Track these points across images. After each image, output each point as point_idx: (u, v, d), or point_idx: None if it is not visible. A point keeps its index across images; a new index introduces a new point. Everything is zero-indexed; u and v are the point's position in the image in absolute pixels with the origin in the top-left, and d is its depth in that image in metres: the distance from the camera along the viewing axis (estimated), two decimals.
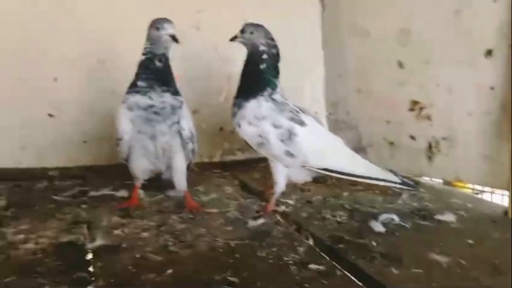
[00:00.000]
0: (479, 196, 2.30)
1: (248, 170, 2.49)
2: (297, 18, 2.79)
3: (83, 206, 1.84)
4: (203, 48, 2.58)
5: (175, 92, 1.83)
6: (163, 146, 1.82)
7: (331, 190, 2.16)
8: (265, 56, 1.86)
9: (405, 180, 1.88)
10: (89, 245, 1.46)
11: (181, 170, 1.90)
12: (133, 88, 1.80)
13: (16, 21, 2.23)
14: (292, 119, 1.82)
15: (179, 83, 2.46)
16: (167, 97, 1.78)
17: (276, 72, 1.91)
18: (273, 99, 1.85)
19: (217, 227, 1.66)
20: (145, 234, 1.57)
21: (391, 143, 2.52)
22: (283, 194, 2.02)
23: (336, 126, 2.84)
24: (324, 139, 1.95)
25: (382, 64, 2.48)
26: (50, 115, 2.33)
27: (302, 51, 2.82)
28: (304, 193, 2.10)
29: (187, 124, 1.86)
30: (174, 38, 1.78)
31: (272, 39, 1.93)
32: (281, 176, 1.87)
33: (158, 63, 1.79)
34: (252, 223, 1.70)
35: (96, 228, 1.62)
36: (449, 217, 1.79)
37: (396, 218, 1.74)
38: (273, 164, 1.87)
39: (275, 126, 1.80)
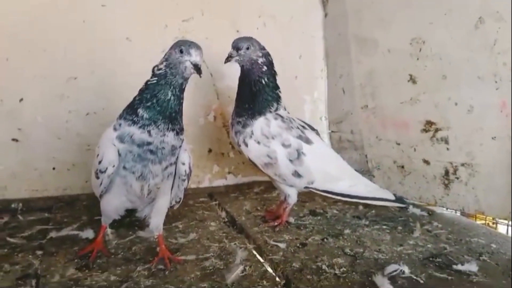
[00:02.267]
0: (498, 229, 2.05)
1: (239, 198, 2.21)
2: (295, 26, 2.51)
3: (38, 252, 1.57)
4: None
5: (180, 130, 1.48)
6: (151, 188, 1.49)
7: (331, 226, 1.87)
8: (264, 69, 1.78)
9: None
10: None
11: (162, 212, 1.60)
12: (131, 115, 1.44)
13: None
14: (299, 137, 1.77)
15: None
16: (170, 137, 1.43)
17: (276, 84, 1.83)
18: (280, 116, 1.79)
19: (190, 284, 1.38)
20: None
21: (401, 167, 2.22)
22: (276, 232, 1.77)
23: (340, 145, 2.56)
24: (329, 158, 1.88)
25: (392, 78, 2.19)
26: (15, 140, 2.06)
27: (302, 64, 2.56)
28: (299, 230, 1.81)
29: (188, 159, 1.55)
30: (198, 69, 1.44)
31: (264, 48, 1.80)
32: (290, 189, 1.83)
33: (170, 94, 1.43)
34: (232, 278, 1.41)
35: (44, 285, 1.35)
36: (471, 266, 1.50)
37: (406, 269, 1.45)
38: None
39: (284, 145, 1.75)
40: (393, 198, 1.87)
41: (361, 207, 2.08)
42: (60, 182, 2.10)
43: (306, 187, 1.82)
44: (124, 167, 1.44)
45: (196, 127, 2.35)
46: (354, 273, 1.45)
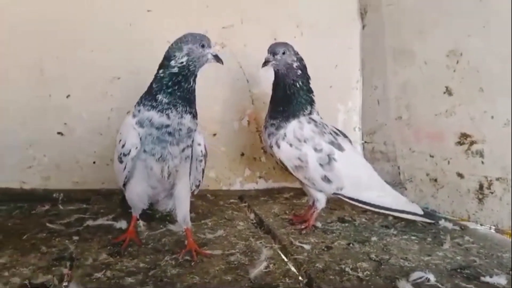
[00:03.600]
0: None
1: (269, 202, 2.24)
2: (332, 36, 2.54)
3: (75, 238, 1.66)
4: (226, 67, 2.38)
5: (196, 114, 1.57)
6: (171, 169, 1.57)
7: (358, 232, 1.86)
8: (299, 73, 1.84)
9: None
10: None
11: (184, 200, 1.66)
12: (150, 101, 1.52)
13: (32, 40, 2.14)
14: (331, 143, 1.80)
15: None
16: (187, 119, 1.52)
17: (310, 87, 1.88)
18: (314, 120, 1.83)
19: (214, 275, 1.42)
20: (128, 280, 1.35)
21: (434, 180, 2.19)
22: (302, 235, 1.78)
23: (373, 156, 2.55)
24: (360, 167, 1.90)
25: (428, 90, 2.18)
26: (60, 133, 2.20)
27: (338, 74, 2.58)
28: (326, 235, 1.82)
29: (203, 140, 1.63)
30: (219, 59, 1.60)
31: (298, 53, 1.87)
32: (319, 194, 1.84)
33: (192, 82, 1.54)
34: (255, 273, 1.44)
35: (78, 267, 1.42)
36: (500, 279, 1.46)
37: (432, 277, 1.43)
38: None
39: (316, 150, 1.77)
40: (421, 212, 1.85)
41: (390, 218, 2.06)
42: (99, 176, 2.21)
43: (335, 193, 1.83)
44: (145, 151, 1.53)
45: (230, 131, 2.41)
46: (377, 277, 1.44)
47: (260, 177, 2.47)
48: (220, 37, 2.38)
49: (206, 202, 2.21)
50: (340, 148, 1.80)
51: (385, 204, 1.84)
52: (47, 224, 1.79)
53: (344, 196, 1.83)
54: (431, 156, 2.18)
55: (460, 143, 2.03)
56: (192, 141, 1.58)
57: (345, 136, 1.92)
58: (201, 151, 1.62)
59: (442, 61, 2.06)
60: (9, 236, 1.66)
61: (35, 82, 2.14)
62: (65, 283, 1.32)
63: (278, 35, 2.42)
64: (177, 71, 1.53)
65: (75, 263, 1.46)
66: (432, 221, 1.92)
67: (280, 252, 1.65)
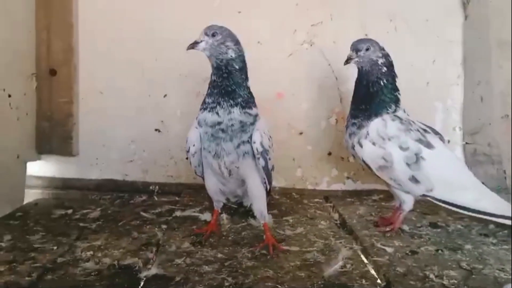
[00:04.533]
0: None
1: (355, 203, 2.17)
2: (430, 29, 2.37)
3: (163, 226, 1.78)
4: (314, 65, 2.37)
5: (247, 104, 1.58)
6: (228, 166, 1.62)
7: (450, 239, 1.72)
8: (384, 70, 1.76)
9: None
10: (144, 273, 1.36)
11: (258, 197, 1.67)
12: (202, 104, 1.63)
13: (134, 44, 2.33)
14: (419, 141, 1.69)
15: (280, 100, 2.34)
16: (236, 113, 1.56)
17: (395, 85, 1.79)
18: (399, 117, 1.74)
19: (288, 271, 1.41)
20: (205, 268, 1.41)
21: None
22: (386, 237, 1.70)
23: (475, 159, 2.33)
24: (452, 166, 1.77)
25: None
26: (157, 130, 2.37)
27: (436, 69, 2.40)
28: (412, 239, 1.71)
29: (259, 138, 1.60)
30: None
31: (384, 49, 1.80)
32: (406, 195, 1.74)
33: (221, 76, 1.59)
34: (330, 271, 1.40)
35: (162, 253, 1.52)
36: None
37: None
38: None
39: (402, 148, 1.67)
40: None
41: (491, 225, 1.87)
42: (191, 171, 2.31)
43: (423, 195, 1.71)
44: (204, 148, 1.62)
45: (318, 129, 2.38)
46: (465, 286, 1.32)
47: (348, 178, 2.39)
48: (309, 34, 2.37)
49: (290, 200, 2.21)
50: (429, 146, 1.68)
51: (483, 208, 1.65)
52: (141, 213, 1.94)
53: (434, 198, 1.69)
54: None
55: None
56: (250, 137, 1.60)
57: (436, 133, 1.78)
58: (257, 149, 1.60)
59: None
60: (108, 222, 1.84)
61: (137, 83, 2.33)
62: (149, 266, 1.42)
63: (369, 30, 2.33)
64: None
65: (160, 249, 1.57)
66: None
67: (360, 253, 1.59)
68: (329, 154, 2.38)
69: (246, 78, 1.63)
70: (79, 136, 2.35)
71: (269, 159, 1.64)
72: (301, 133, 2.38)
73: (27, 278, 1.31)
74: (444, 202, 1.70)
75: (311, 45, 2.37)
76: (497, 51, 2.14)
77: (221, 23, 2.32)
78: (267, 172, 1.65)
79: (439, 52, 2.41)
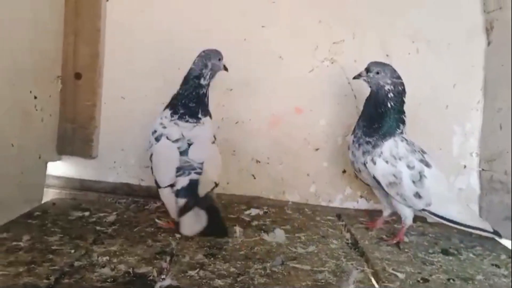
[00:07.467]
0: None
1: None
2: (452, 53, 2.38)
3: (177, 235, 1.80)
4: (334, 82, 2.38)
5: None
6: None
7: (462, 268, 1.72)
8: (390, 95, 1.92)
9: None
10: (159, 284, 1.38)
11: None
12: None
13: (155, 53, 2.39)
14: (421, 161, 1.89)
15: (298, 116, 2.37)
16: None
17: (402, 109, 1.96)
18: (405, 139, 1.93)
19: None
20: (218, 282, 1.43)
21: None
22: (398, 262, 1.71)
23: (491, 186, 2.32)
24: (444, 182, 2.00)
25: None
26: None
27: (456, 93, 2.41)
28: (424, 266, 1.71)
29: None
30: (226, 68, 2.05)
31: (398, 77, 1.93)
32: (408, 210, 1.93)
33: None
34: None
35: (176, 263, 1.55)
36: None
37: None
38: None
39: (409, 167, 1.87)
40: (491, 230, 1.90)
41: (503, 256, 1.87)
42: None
43: (423, 209, 1.90)
44: None
45: (334, 146, 2.39)
46: None
47: (361, 197, 2.40)
48: (330, 52, 2.39)
49: (303, 216, 2.23)
50: (428, 165, 1.89)
51: (463, 220, 1.89)
52: (156, 220, 1.97)
53: (430, 212, 1.90)
54: None
55: None
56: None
57: (425, 153, 1.97)
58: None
59: None
60: (123, 227, 1.88)
61: (157, 92, 2.35)
62: (163, 276, 1.44)
63: (390, 51, 2.35)
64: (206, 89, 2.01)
65: (174, 258, 1.59)
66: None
67: (371, 277, 1.60)
68: (344, 171, 2.40)
69: None
70: (99, 139, 2.39)
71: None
72: (317, 149, 2.40)
73: (45, 281, 1.34)
74: (437, 216, 1.90)
75: (332, 62, 2.39)
76: None
77: (244, 37, 2.37)
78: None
79: (460, 76, 2.41)
